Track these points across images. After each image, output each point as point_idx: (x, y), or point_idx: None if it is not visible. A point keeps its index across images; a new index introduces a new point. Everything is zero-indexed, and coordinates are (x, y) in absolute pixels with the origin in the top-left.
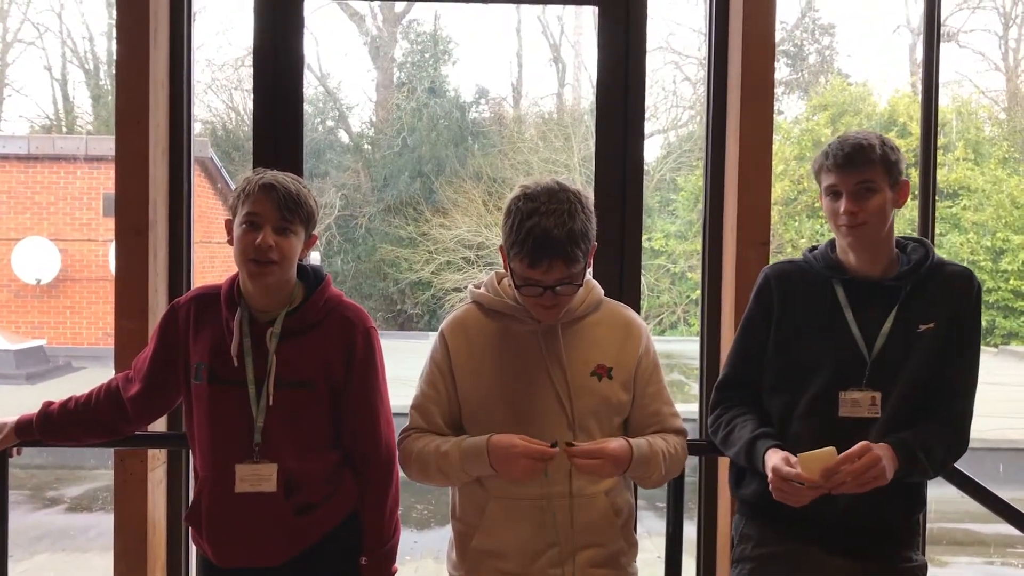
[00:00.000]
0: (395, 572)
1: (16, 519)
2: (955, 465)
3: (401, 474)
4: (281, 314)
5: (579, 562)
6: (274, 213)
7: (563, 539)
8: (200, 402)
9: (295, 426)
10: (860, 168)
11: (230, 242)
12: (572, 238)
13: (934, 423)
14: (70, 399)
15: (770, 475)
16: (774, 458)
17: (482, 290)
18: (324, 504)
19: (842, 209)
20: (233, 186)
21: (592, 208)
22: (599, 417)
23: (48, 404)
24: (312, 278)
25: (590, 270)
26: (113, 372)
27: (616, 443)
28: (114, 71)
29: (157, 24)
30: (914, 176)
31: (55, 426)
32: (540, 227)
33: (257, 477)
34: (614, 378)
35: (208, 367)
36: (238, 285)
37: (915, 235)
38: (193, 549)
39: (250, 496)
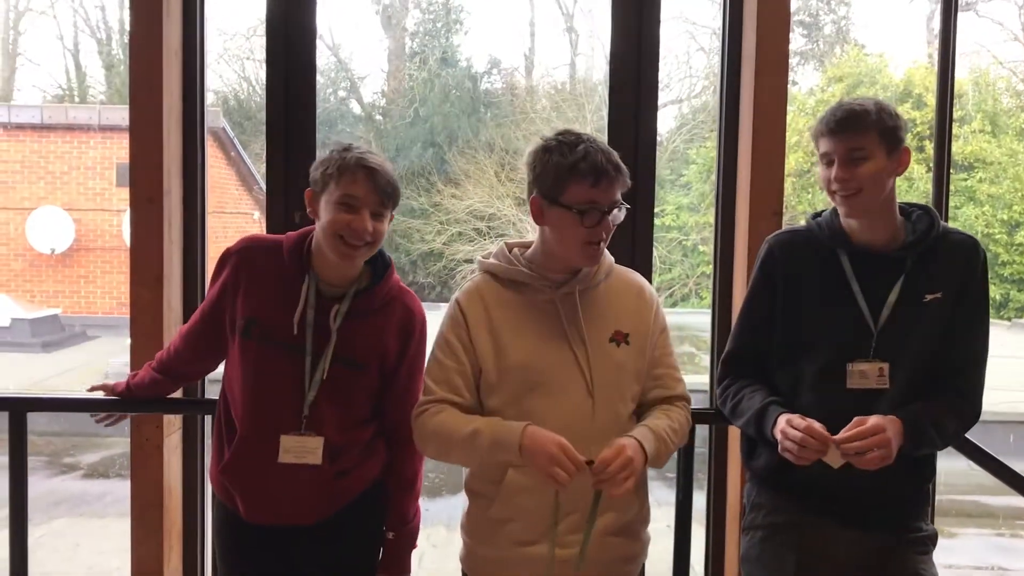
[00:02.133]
0: (415, 548)
1: (34, 485)
2: (966, 436)
3: None
4: (350, 293)
5: (596, 529)
6: (373, 197)
7: (581, 506)
8: (247, 361)
9: (342, 402)
10: (853, 133)
11: (312, 214)
12: (615, 156)
13: (945, 394)
14: (151, 362)
15: (781, 426)
16: (785, 416)
17: (492, 260)
18: (359, 467)
19: (833, 175)
20: (245, 156)
21: None
22: (618, 384)
23: (137, 373)
24: (380, 262)
25: None
26: (128, 340)
27: (632, 450)
28: (127, 41)
29: None
30: (928, 148)
31: (147, 387)
32: (593, 146)
33: (302, 449)
34: (631, 344)
35: (260, 325)
36: (309, 249)
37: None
38: (208, 503)
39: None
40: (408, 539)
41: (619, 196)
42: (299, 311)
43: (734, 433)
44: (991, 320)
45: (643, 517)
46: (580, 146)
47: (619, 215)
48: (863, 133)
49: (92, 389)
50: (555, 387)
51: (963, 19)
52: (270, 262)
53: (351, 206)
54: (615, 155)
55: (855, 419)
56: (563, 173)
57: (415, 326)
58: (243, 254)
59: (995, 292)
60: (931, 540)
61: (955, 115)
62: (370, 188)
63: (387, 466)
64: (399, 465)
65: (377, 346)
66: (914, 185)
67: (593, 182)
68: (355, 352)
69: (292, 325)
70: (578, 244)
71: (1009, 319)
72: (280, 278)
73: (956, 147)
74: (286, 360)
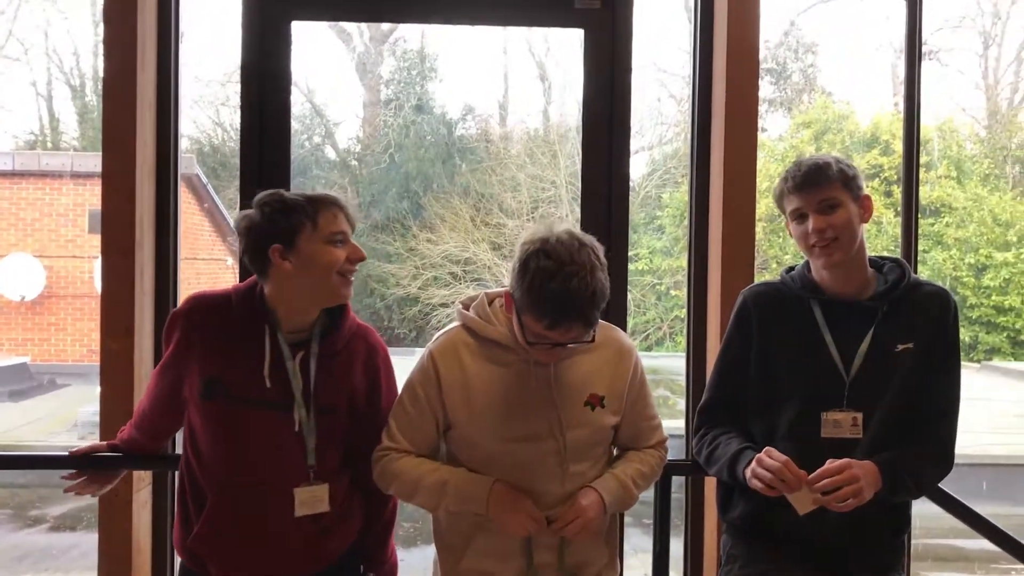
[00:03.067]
0: None
1: None
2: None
3: None
4: (316, 335)
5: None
6: (348, 231)
7: (555, 559)
8: (216, 423)
9: (324, 449)
10: (820, 186)
11: (281, 268)
12: (594, 301)
13: (919, 443)
14: (127, 429)
15: (754, 464)
16: (763, 452)
17: (471, 313)
18: (341, 523)
19: (811, 228)
20: (219, 202)
21: (605, 259)
22: (590, 446)
23: (126, 433)
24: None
25: None
26: (98, 390)
27: (587, 500)
28: (100, 88)
29: (145, 44)
30: (896, 193)
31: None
32: (563, 291)
33: (314, 499)
34: (607, 406)
35: (224, 384)
36: (261, 298)
37: (897, 253)
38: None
39: (276, 520)
40: None
41: (585, 332)
42: (268, 363)
43: (711, 482)
44: (962, 363)
45: (612, 566)
46: (553, 283)
47: (582, 345)
48: (829, 185)
49: (74, 454)
50: (527, 449)
51: (927, 68)
52: (221, 318)
53: (341, 242)
54: (592, 295)
55: (828, 461)
56: (528, 301)
57: (379, 361)
58: (191, 316)
59: (964, 334)
60: None
61: (922, 161)
62: (347, 224)
63: (366, 520)
64: (378, 506)
65: (345, 387)
66: (883, 229)
67: (549, 326)
68: (325, 397)
69: (263, 379)
70: (536, 351)
71: (979, 361)
72: (235, 333)
73: (923, 192)
74: (263, 416)
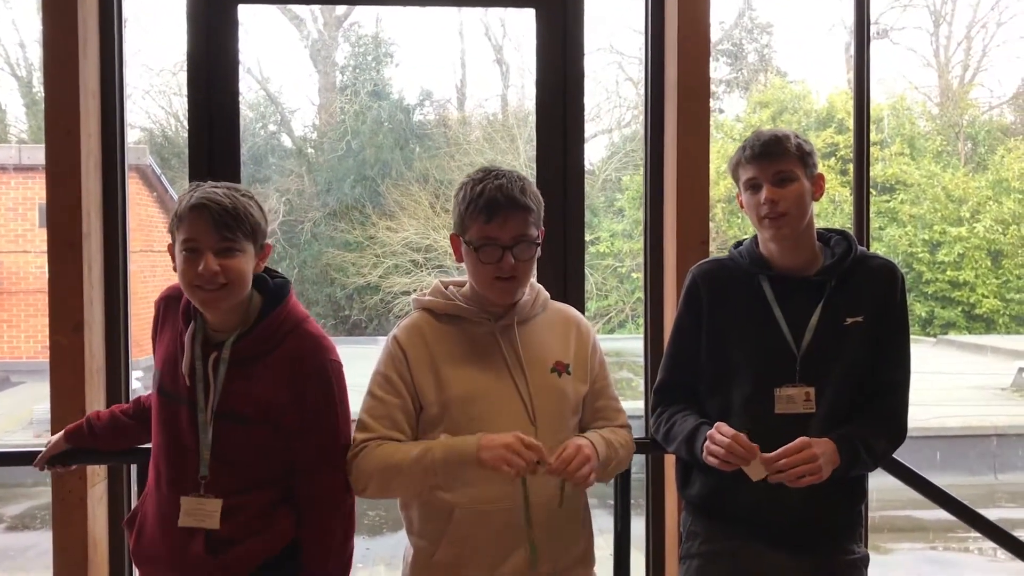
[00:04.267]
0: None
1: None
2: (893, 455)
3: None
4: (231, 339)
5: (547, 564)
6: (212, 235)
7: (531, 542)
8: (156, 416)
9: (235, 461)
10: (778, 158)
11: (175, 269)
12: (524, 191)
13: (872, 416)
14: (116, 407)
15: (707, 441)
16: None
17: (428, 297)
18: (251, 539)
19: (763, 198)
20: (173, 193)
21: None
22: (560, 412)
23: (97, 412)
24: (273, 296)
25: (534, 277)
26: (49, 387)
27: (584, 442)
28: None
29: (87, 33)
30: (850, 171)
31: (106, 427)
32: (493, 184)
33: (201, 512)
34: (572, 374)
35: (161, 378)
36: None
37: (846, 228)
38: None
39: (175, 524)
40: None
41: (527, 231)
42: (186, 361)
43: (670, 460)
44: (917, 337)
45: (589, 546)
46: (483, 183)
47: (526, 250)
48: (786, 158)
49: (41, 463)
50: (497, 417)
51: (878, 47)
52: (176, 311)
53: (194, 249)
54: (521, 189)
55: (794, 440)
56: (464, 211)
57: (309, 370)
58: (160, 304)
59: (920, 309)
60: (863, 563)
61: (875, 139)
62: (206, 226)
63: (297, 536)
64: (311, 526)
65: (262, 398)
66: (839, 208)
67: (486, 219)
68: (240, 405)
69: (184, 377)
70: (487, 280)
71: (934, 336)
72: (178, 329)
73: (877, 170)
74: (184, 415)
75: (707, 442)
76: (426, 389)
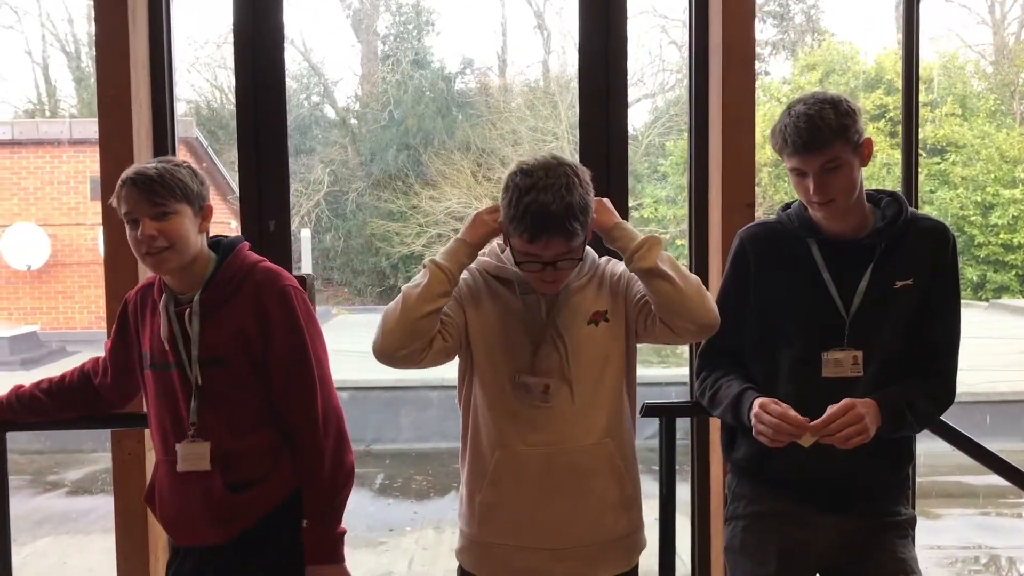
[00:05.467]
0: (343, 532)
1: (17, 504)
2: (943, 419)
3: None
4: (197, 293)
5: (585, 507)
6: (143, 203)
7: (570, 486)
8: (148, 389)
9: (225, 404)
10: (820, 149)
11: None
12: (570, 212)
13: (919, 378)
14: (43, 380)
15: (756, 409)
16: (759, 400)
17: (485, 257)
18: (263, 482)
19: (811, 188)
20: (220, 165)
21: (589, 181)
22: (595, 360)
23: (19, 386)
24: (225, 249)
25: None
26: None
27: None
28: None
29: (136, 5)
30: (900, 133)
31: (26, 402)
32: (538, 202)
33: (194, 456)
34: (610, 320)
35: (151, 355)
36: None
37: (893, 189)
38: None
39: (191, 476)
40: (325, 526)
41: (570, 250)
42: (163, 327)
43: (715, 424)
44: (969, 301)
45: (634, 501)
46: (528, 196)
47: (568, 264)
48: (829, 147)
49: None
50: (532, 368)
51: (931, 4)
52: (151, 294)
53: (133, 221)
54: (567, 208)
55: (828, 408)
56: (507, 220)
57: (269, 300)
58: (137, 296)
59: (972, 273)
60: (910, 524)
61: (926, 99)
62: (137, 196)
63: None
64: (301, 455)
65: (235, 335)
66: (891, 171)
67: (529, 239)
68: (213, 349)
69: (164, 343)
70: (533, 278)
71: (986, 300)
72: (156, 307)
73: (928, 131)
74: (170, 379)
75: (755, 420)
76: (473, 326)
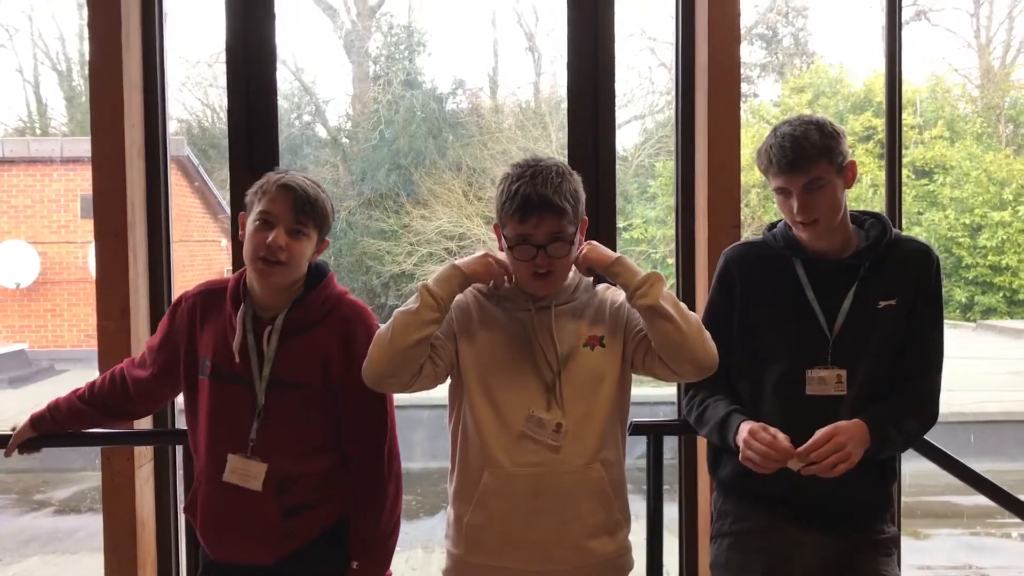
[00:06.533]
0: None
1: (4, 523)
2: (929, 440)
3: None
4: (282, 313)
5: (572, 530)
6: (289, 214)
7: (557, 508)
8: (203, 397)
9: (291, 427)
10: (804, 168)
11: (242, 237)
12: (560, 191)
13: (904, 398)
14: (77, 389)
15: (743, 435)
16: (748, 425)
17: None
18: (317, 507)
19: (795, 207)
20: (211, 184)
21: (580, 179)
22: (587, 386)
23: (57, 398)
24: (315, 275)
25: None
26: (97, 373)
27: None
28: (87, 73)
29: (129, 26)
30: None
31: (64, 413)
32: (529, 184)
33: (246, 472)
34: (607, 346)
35: (212, 363)
36: (245, 281)
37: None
38: (184, 544)
39: (242, 493)
40: (374, 568)
41: (561, 231)
42: (237, 339)
43: (703, 443)
44: (957, 322)
45: (623, 522)
46: (520, 181)
47: (561, 248)
48: (813, 166)
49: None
50: (516, 388)
51: (916, 28)
52: (222, 301)
53: (267, 222)
54: (556, 188)
55: (816, 432)
56: (501, 207)
57: (357, 334)
58: (197, 298)
59: (960, 295)
60: (894, 542)
61: (912, 122)
62: (286, 204)
63: (350, 502)
64: (358, 488)
65: (315, 359)
66: (879, 192)
67: (521, 218)
68: (295, 373)
69: (235, 355)
70: (526, 275)
71: (974, 321)
72: (226, 314)
73: (917, 153)
74: (235, 392)
75: (743, 447)
76: (463, 348)
